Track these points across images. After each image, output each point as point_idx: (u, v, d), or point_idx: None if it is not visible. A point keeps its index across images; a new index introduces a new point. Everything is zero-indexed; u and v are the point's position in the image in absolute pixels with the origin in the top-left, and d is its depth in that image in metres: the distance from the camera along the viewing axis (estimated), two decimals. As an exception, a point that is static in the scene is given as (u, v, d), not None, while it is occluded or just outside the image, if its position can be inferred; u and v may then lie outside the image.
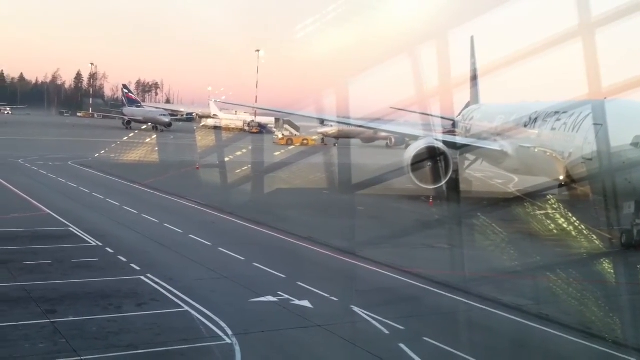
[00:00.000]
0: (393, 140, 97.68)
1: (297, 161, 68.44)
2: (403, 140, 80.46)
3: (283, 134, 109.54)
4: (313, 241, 28.62)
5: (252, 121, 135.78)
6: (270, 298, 19.76)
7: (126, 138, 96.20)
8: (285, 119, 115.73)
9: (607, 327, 18.52)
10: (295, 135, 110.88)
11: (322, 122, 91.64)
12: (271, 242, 29.10)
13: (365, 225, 32.86)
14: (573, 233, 32.58)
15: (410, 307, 19.88)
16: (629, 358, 16.25)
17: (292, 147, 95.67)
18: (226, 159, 63.19)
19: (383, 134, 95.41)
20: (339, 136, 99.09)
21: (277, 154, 76.61)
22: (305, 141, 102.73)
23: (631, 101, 31.87)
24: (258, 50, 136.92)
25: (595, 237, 31.11)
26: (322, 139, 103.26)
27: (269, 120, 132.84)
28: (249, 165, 61.31)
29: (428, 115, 57.85)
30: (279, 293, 20.14)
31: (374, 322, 17.79)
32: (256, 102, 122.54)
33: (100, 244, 26.37)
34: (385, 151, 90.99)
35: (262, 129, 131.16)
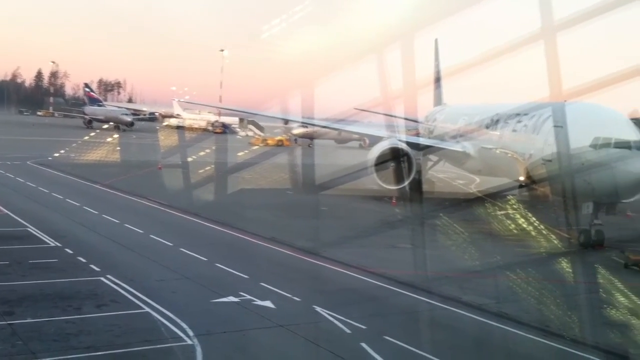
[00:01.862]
0: (367, 141, 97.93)
1: (261, 161, 68.20)
2: (377, 141, 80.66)
3: (248, 134, 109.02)
4: (276, 241, 28.55)
5: (216, 121, 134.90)
6: (232, 298, 19.66)
7: (87, 137, 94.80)
8: (249, 119, 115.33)
9: (565, 325, 18.80)
10: (259, 135, 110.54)
11: (286, 122, 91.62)
12: (234, 242, 28.96)
13: (328, 226, 32.91)
14: (533, 233, 33.03)
15: (373, 307, 19.95)
16: (586, 355, 16.54)
17: (257, 147, 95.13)
18: (189, 159, 62.70)
19: (357, 135, 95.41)
20: (313, 137, 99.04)
21: (240, 154, 76.24)
22: (280, 142, 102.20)
23: (590, 104, 32.43)
24: (222, 50, 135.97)
25: (554, 237, 31.59)
26: (296, 140, 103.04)
27: (233, 121, 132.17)
28: (213, 166, 60.91)
29: (392, 116, 58.22)
30: (241, 293, 20.05)
31: (336, 322, 17.81)
32: (220, 102, 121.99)
33: (59, 244, 25.94)
34: (357, 152, 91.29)
35: (226, 129, 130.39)
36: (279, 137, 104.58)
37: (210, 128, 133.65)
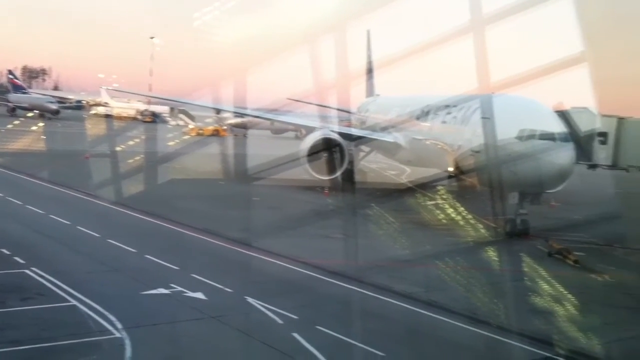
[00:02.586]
0: (303, 131, 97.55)
1: (193, 151, 67.36)
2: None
3: (179, 123, 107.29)
4: (208, 232, 28.25)
5: (146, 110, 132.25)
6: (162, 290, 19.37)
7: (10, 126, 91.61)
8: (180, 108, 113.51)
9: (491, 312, 19.30)
10: (192, 124, 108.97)
11: (218, 112, 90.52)
12: (164, 233, 28.52)
13: (261, 216, 32.74)
14: (461, 222, 33.75)
15: (305, 297, 20.01)
16: (511, 342, 17.01)
17: (189, 137, 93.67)
18: (118, 149, 61.35)
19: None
20: (249, 127, 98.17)
21: (171, 143, 75.14)
22: (216, 132, 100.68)
23: (517, 96, 33.31)
24: (152, 37, 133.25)
25: (481, 226, 32.36)
26: (232, 130, 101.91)
27: (163, 110, 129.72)
28: (142, 155, 59.76)
29: (325, 107, 58.47)
30: (172, 285, 19.77)
31: (268, 313, 17.78)
32: (150, 90, 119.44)
33: (-20, 236, 24.98)
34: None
35: (156, 118, 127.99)
36: (214, 127, 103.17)
37: (139, 117, 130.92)
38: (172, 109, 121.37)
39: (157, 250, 24.10)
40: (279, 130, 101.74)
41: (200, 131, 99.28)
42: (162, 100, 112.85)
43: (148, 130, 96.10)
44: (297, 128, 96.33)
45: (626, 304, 21.59)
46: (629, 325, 19.48)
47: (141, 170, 50.53)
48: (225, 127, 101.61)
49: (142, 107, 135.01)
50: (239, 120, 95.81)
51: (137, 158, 56.31)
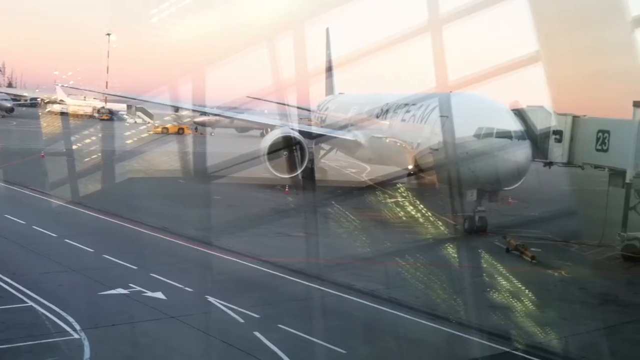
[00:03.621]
0: (269, 130, 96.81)
1: (152, 149, 66.61)
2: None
3: (136, 121, 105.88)
4: (167, 231, 27.98)
5: (103, 107, 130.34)
6: (121, 290, 19.14)
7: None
8: (138, 105, 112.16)
9: (451, 308, 19.53)
10: (150, 122, 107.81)
11: (177, 109, 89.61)
12: (122, 232, 28.16)
13: (221, 214, 32.54)
14: (421, 220, 34.07)
15: (266, 296, 19.94)
16: (471, 337, 17.24)
17: (146, 135, 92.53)
18: (74, 147, 60.32)
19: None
20: (214, 125, 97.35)
21: (129, 142, 74.19)
22: (181, 130, 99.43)
23: (474, 95, 33.73)
24: (109, 34, 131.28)
25: (440, 223, 32.72)
26: (197, 128, 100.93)
27: (120, 107, 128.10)
28: (99, 154, 58.91)
29: (285, 105, 58.38)
30: (131, 285, 19.54)
31: (229, 312, 17.70)
32: (107, 87, 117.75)
33: None
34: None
35: (113, 115, 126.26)
36: (179, 125, 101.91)
37: (96, 115, 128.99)
38: (129, 107, 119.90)
39: (115, 250, 23.79)
40: (244, 129, 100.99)
41: (165, 129, 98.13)
42: (120, 98, 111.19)
43: (105, 128, 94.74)
44: (262, 126, 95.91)
45: (581, 299, 22.01)
46: (584, 320, 19.87)
47: (99, 168, 49.76)
48: (189, 125, 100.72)
49: (99, 104, 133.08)
50: (204, 118, 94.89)
51: (94, 156, 55.49)
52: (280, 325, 16.83)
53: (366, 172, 54.62)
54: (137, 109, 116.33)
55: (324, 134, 50.57)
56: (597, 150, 29.66)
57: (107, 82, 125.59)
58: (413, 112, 37.97)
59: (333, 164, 56.44)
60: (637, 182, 28.03)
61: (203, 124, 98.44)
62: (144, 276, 20.61)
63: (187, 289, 19.68)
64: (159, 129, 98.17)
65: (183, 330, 16.47)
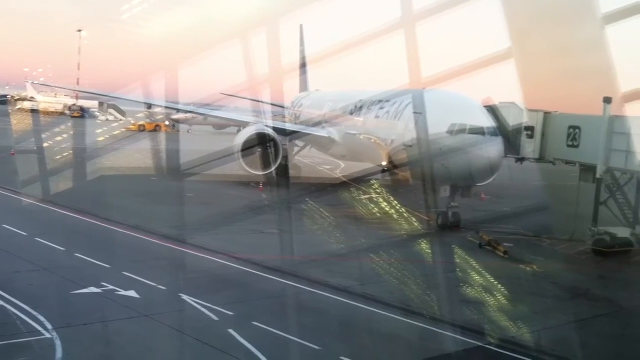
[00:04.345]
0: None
1: (125, 147, 65.98)
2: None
3: (108, 118, 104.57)
4: (140, 229, 27.75)
5: (74, 104, 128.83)
6: (93, 289, 18.95)
7: None
8: (109, 102, 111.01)
9: (424, 303, 19.65)
10: (122, 119, 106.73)
11: (149, 106, 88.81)
12: (95, 231, 27.87)
13: (194, 212, 32.35)
14: (395, 216, 34.20)
15: (240, 293, 19.89)
16: (444, 332, 17.36)
17: (118, 132, 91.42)
18: (45, 144, 59.52)
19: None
20: (191, 122, 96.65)
21: (101, 139, 73.41)
22: (157, 127, 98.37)
23: (447, 91, 33.91)
24: (80, 30, 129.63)
25: (414, 219, 32.88)
26: (174, 125, 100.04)
27: (92, 104, 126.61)
28: (71, 151, 58.18)
29: (259, 101, 58.16)
30: (103, 284, 19.36)
31: (202, 309, 17.62)
32: (78, 84, 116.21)
33: None
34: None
35: (85, 112, 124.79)
36: (156, 122, 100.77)
37: (67, 112, 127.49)
38: (101, 104, 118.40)
39: (87, 248, 23.54)
40: (221, 126, 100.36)
41: (142, 126, 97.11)
42: (91, 95, 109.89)
43: (77, 125, 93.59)
44: (238, 123, 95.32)
45: (553, 293, 22.30)
46: (556, 314, 20.13)
47: (70, 166, 49.12)
48: (166, 122, 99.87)
49: (70, 101, 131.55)
50: (181, 115, 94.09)
51: (66, 154, 54.78)
52: (254, 323, 16.79)
53: (340, 169, 54.71)
54: (109, 106, 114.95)
55: (298, 130, 50.52)
56: (568, 145, 30.04)
57: (78, 79, 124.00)
58: (387, 108, 38.08)
59: (307, 161, 56.44)
60: (607, 177, 28.44)
61: (179, 121, 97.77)
62: (116, 274, 20.42)
63: (160, 287, 19.55)
64: (136, 126, 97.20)
65: (157, 329, 16.36)
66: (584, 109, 33.84)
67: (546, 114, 31.62)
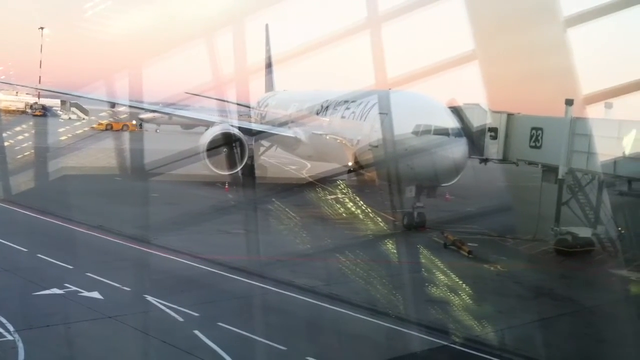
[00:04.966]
0: None
1: (88, 146, 65.04)
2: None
3: (70, 117, 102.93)
4: (104, 230, 27.41)
5: (36, 103, 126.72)
6: (56, 290, 18.67)
7: None
8: (72, 101, 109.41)
9: (390, 303, 19.75)
10: (85, 118, 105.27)
11: (113, 105, 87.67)
12: (57, 231, 27.45)
13: (159, 212, 32.06)
14: (361, 216, 34.32)
15: (206, 294, 19.75)
16: (410, 331, 17.47)
17: (81, 132, 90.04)
18: (6, 143, 58.42)
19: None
20: (159, 122, 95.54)
21: (64, 138, 72.30)
22: (125, 126, 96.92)
23: (413, 92, 34.11)
24: (42, 28, 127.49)
25: (380, 219, 33.02)
26: (141, 125, 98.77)
27: (54, 103, 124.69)
28: (34, 150, 57.23)
29: (224, 101, 57.88)
30: (66, 285, 19.09)
31: (168, 311, 17.47)
32: (40, 82, 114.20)
33: None
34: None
35: (47, 111, 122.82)
36: (124, 122, 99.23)
37: (29, 110, 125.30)
38: (63, 102, 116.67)
39: (49, 249, 23.17)
40: (189, 125, 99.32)
41: (110, 125, 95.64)
42: (54, 93, 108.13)
43: (38, 124, 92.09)
44: (207, 123, 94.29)
45: (517, 293, 22.58)
46: (520, 313, 20.40)
47: (33, 165, 48.34)
48: (134, 122, 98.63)
49: (32, 100, 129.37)
50: (150, 115, 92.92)
51: (28, 153, 53.87)
52: (220, 324, 16.70)
53: (306, 169, 54.72)
54: (72, 105, 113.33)
55: (264, 130, 50.39)
56: (531, 147, 30.42)
57: (40, 77, 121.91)
58: (353, 109, 38.18)
59: (273, 161, 56.33)
60: (569, 178, 28.88)
61: (146, 120, 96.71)
62: (79, 276, 20.15)
63: (124, 288, 19.33)
64: (103, 125, 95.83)
65: (121, 331, 16.17)
66: (547, 111, 34.39)
67: (509, 115, 31.99)
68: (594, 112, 28.48)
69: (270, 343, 15.65)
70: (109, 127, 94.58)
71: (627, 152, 25.69)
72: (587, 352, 17.78)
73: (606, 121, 28.02)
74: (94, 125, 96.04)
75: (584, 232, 28.69)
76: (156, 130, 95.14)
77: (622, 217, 30.05)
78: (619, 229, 29.11)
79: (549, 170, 30.11)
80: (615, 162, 26.14)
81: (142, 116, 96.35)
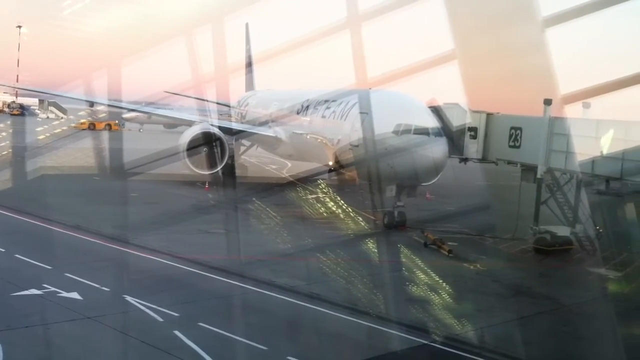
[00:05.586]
0: None
1: (67, 145, 64.50)
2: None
3: (49, 116, 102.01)
4: (82, 230, 27.18)
5: (13, 102, 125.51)
6: (34, 291, 18.49)
7: None
8: (50, 100, 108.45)
9: (371, 302, 19.79)
10: (63, 117, 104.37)
11: (92, 104, 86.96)
12: (35, 231, 27.17)
13: (138, 212, 31.87)
14: (341, 215, 34.35)
15: (186, 294, 19.66)
16: (390, 330, 17.52)
17: (59, 131, 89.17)
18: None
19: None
20: (142, 121, 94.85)
21: (42, 137, 71.60)
22: (108, 126, 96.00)
23: (393, 92, 34.21)
24: (20, 26, 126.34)
25: (361, 218, 33.07)
26: (124, 124, 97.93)
27: (32, 102, 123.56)
28: (11, 150, 56.64)
29: (204, 100, 57.64)
30: (45, 285, 18.91)
31: (147, 311, 17.37)
32: (17, 81, 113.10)
33: None
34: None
35: (24, 110, 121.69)
36: (106, 122, 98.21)
37: (6, 109, 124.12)
38: (41, 102, 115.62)
39: (27, 249, 22.94)
40: (172, 125, 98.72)
41: (92, 125, 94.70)
42: (32, 92, 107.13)
43: (16, 124, 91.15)
44: (190, 123, 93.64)
45: (496, 291, 22.73)
46: (499, 312, 20.54)
47: (10, 165, 47.84)
48: (117, 122, 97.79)
49: (10, 99, 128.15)
50: (133, 114, 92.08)
51: (5, 153, 53.30)
52: (200, 324, 16.64)
53: (287, 169, 54.66)
54: (50, 104, 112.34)
55: (245, 130, 50.27)
56: (510, 146, 30.64)
57: (17, 76, 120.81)
58: (333, 108, 38.19)
59: (253, 161, 56.22)
60: (548, 177, 29.13)
61: (128, 120, 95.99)
62: (58, 276, 19.97)
63: (104, 288, 19.19)
64: (85, 124, 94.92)
65: (100, 331, 16.06)
66: (526, 110, 34.64)
67: (489, 115, 32.18)
68: (572, 112, 28.74)
69: (251, 343, 15.61)
70: (91, 127, 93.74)
71: (605, 151, 25.96)
72: (565, 350, 17.93)
73: (584, 121, 28.25)
74: (75, 124, 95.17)
75: (563, 231, 28.96)
76: (139, 130, 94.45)
77: (600, 216, 30.40)
78: (597, 227, 29.44)
79: (528, 170, 30.35)
80: (593, 162, 26.41)
81: (125, 115, 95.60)
